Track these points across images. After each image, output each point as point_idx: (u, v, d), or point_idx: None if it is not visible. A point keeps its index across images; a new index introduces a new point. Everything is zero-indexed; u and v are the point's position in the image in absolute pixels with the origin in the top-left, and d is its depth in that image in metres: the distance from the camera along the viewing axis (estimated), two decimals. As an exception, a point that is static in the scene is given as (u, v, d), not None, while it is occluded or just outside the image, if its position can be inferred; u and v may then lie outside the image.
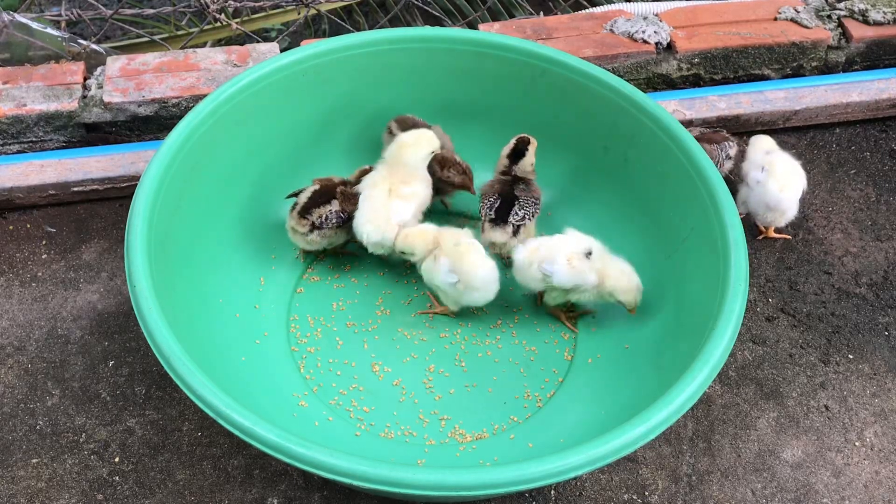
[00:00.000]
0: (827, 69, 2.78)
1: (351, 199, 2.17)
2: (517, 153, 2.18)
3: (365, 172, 2.23)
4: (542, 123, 2.30)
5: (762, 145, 2.39)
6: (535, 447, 1.94)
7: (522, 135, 2.21)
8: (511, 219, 2.13)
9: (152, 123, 2.50)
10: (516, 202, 2.14)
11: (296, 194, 2.19)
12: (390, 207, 2.13)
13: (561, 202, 2.32)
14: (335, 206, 2.16)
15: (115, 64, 2.52)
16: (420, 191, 2.19)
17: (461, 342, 2.15)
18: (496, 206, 2.15)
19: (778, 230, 2.41)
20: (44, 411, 2.03)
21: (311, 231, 2.16)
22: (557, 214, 2.31)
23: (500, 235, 2.14)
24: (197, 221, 2.09)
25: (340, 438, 1.94)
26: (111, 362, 2.12)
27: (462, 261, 2.05)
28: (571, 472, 1.59)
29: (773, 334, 2.22)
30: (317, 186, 2.19)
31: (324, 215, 2.15)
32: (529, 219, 2.15)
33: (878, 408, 2.11)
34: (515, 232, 2.14)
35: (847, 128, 2.72)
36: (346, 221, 2.17)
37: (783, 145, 2.62)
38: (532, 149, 2.19)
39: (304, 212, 2.15)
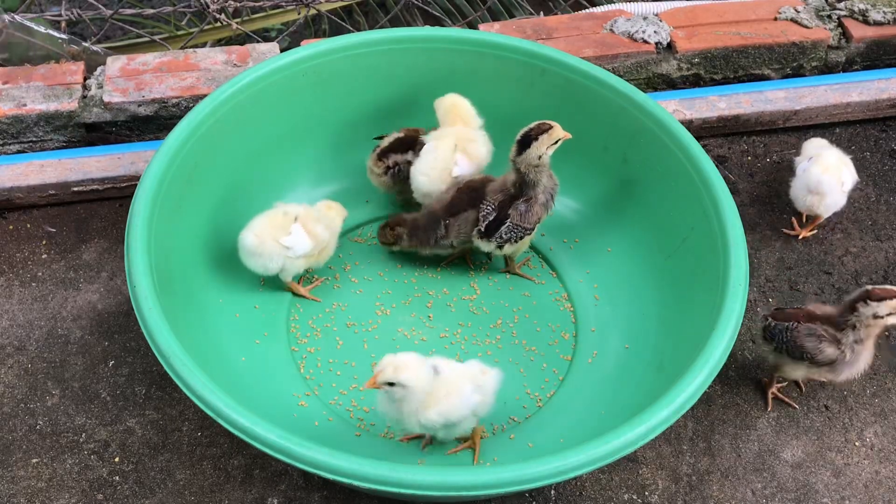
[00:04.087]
0: (827, 69, 2.78)
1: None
2: (524, 142, 2.06)
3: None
4: (542, 123, 2.30)
5: (815, 143, 2.42)
6: (535, 447, 1.94)
7: (543, 122, 2.07)
8: (495, 238, 2.14)
9: (152, 123, 2.49)
10: (504, 224, 2.13)
11: (381, 137, 2.29)
12: (454, 159, 2.18)
13: (560, 203, 2.31)
14: (410, 157, 2.23)
15: (115, 64, 2.52)
16: (483, 153, 2.22)
17: (461, 342, 2.15)
18: (489, 219, 2.14)
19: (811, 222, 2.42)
20: (44, 411, 2.03)
21: (386, 173, 2.26)
22: (557, 214, 2.30)
23: (486, 246, 2.17)
24: (197, 221, 2.09)
25: (340, 438, 1.94)
26: (111, 362, 2.12)
27: (446, 402, 1.77)
28: (571, 472, 1.59)
29: (773, 334, 2.22)
30: (401, 134, 2.27)
31: (399, 163, 2.24)
32: (511, 243, 2.15)
33: (878, 408, 2.11)
34: (500, 246, 2.16)
35: (847, 128, 2.72)
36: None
37: (783, 145, 2.63)
38: (545, 139, 2.04)
39: (383, 154, 2.26)
